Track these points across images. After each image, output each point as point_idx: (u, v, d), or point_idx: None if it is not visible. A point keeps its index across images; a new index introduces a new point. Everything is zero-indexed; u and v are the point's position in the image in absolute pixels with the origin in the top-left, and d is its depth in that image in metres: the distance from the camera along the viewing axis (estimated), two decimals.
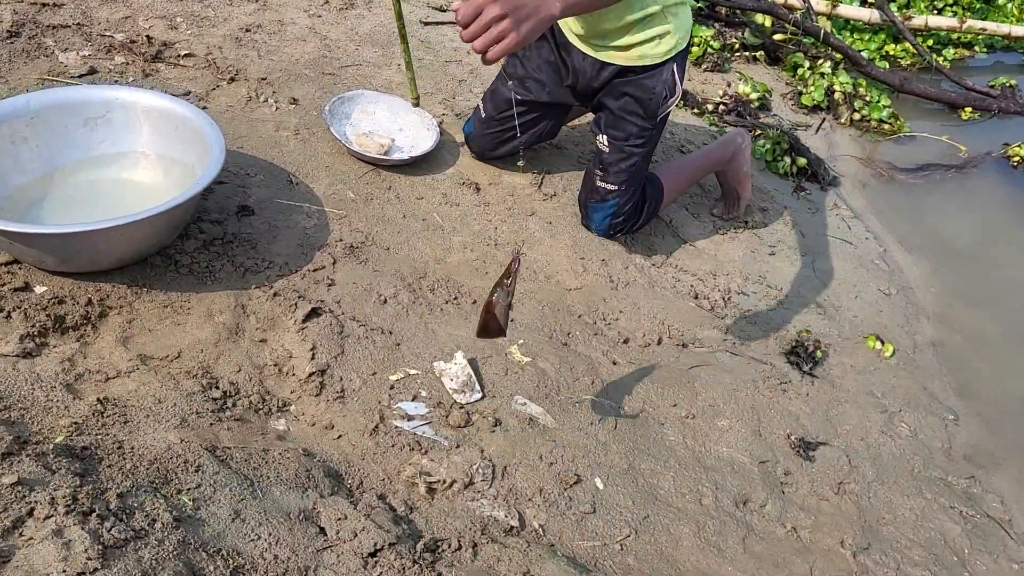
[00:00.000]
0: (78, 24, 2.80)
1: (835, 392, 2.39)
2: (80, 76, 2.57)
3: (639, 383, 2.18)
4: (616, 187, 2.49)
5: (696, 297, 2.58)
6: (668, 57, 2.36)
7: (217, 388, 1.82)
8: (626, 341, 2.32)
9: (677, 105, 2.61)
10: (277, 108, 2.71)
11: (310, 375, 1.92)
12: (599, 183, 2.51)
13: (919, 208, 3.30)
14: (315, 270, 2.19)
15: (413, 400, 1.95)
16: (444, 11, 3.56)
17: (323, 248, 2.26)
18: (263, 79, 2.81)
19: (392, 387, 1.96)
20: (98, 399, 1.65)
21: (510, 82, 2.57)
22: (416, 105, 2.72)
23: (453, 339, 2.13)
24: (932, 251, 3.09)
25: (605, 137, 2.47)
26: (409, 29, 3.34)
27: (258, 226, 2.26)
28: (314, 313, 2.06)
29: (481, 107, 2.66)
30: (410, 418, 1.91)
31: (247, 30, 3.03)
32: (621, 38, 2.33)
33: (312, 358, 1.96)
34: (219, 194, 2.32)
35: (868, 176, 3.45)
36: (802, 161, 3.28)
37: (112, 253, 1.93)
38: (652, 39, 2.33)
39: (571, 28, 2.42)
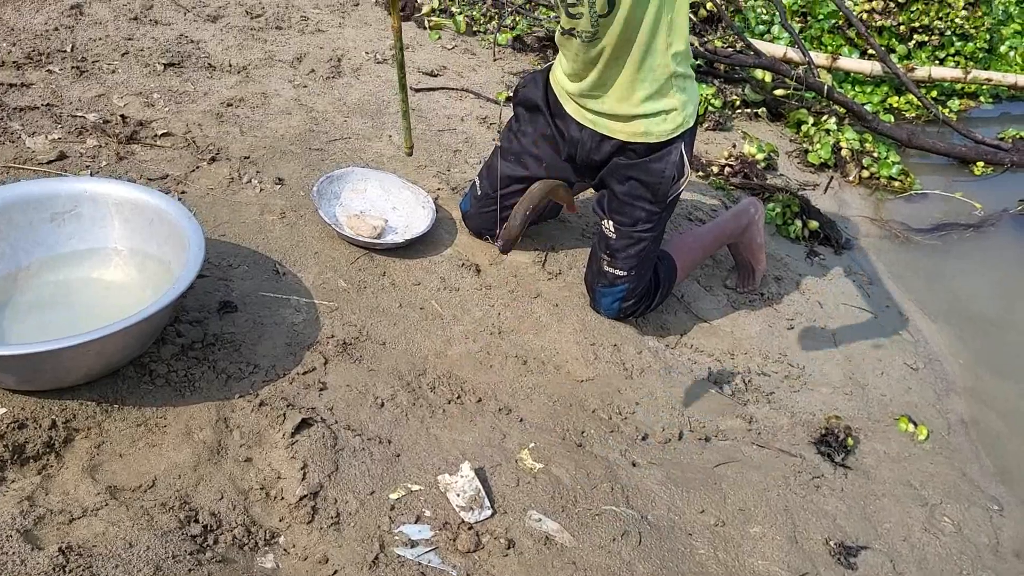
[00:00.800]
0: (47, 105, 2.64)
1: (871, 485, 2.21)
2: (49, 162, 2.40)
3: (662, 487, 2.00)
4: (626, 272, 2.33)
5: (716, 382, 2.41)
6: (675, 135, 2.20)
7: (196, 522, 1.62)
8: (645, 437, 2.14)
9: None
10: (262, 189, 2.54)
11: (301, 499, 1.73)
12: (607, 268, 2.35)
13: (938, 271, 3.14)
14: (305, 372, 2.01)
15: (416, 522, 1.75)
16: (435, 76, 3.43)
17: (313, 347, 2.08)
18: (246, 158, 2.64)
19: (393, 507, 1.76)
20: (60, 549, 1.45)
21: (506, 159, 2.42)
22: (409, 155, 2.48)
23: (458, 446, 1.94)
24: (956, 318, 2.93)
25: (611, 223, 2.31)
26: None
27: (242, 324, 2.08)
28: (304, 424, 1.87)
29: (477, 183, 2.50)
30: (413, 544, 1.71)
31: (229, 104, 2.87)
32: (622, 106, 2.17)
33: (303, 478, 1.76)
34: (199, 289, 2.14)
35: (882, 238, 3.30)
36: (814, 224, 3.14)
37: (80, 369, 1.75)
38: (657, 114, 2.17)
39: (566, 89, 2.26)
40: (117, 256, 2.07)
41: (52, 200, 2.03)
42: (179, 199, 2.40)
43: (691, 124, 2.23)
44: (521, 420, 2.06)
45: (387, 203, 2.59)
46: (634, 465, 2.04)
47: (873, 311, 2.88)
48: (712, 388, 2.38)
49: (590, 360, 2.31)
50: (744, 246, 2.71)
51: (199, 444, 1.78)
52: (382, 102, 3.15)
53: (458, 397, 2.07)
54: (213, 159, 2.60)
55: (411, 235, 2.46)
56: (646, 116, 2.17)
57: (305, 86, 3.12)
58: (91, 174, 2.40)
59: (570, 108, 2.29)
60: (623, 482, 1.97)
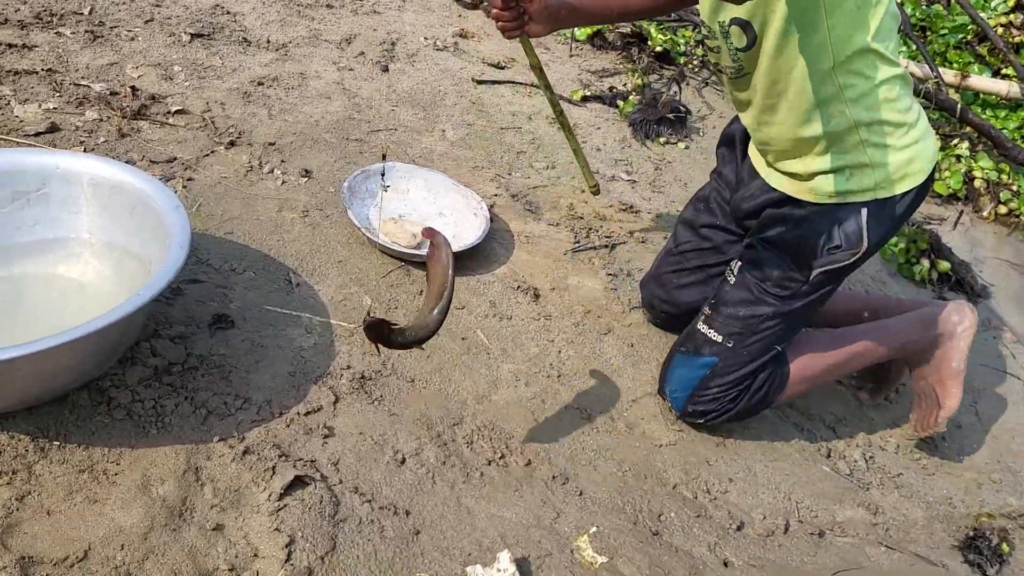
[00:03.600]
0: (48, 70, 2.26)
1: None
2: (37, 134, 2.02)
3: None
4: (721, 338, 1.75)
5: (828, 456, 1.90)
6: (858, 200, 1.63)
7: None
8: (740, 527, 1.64)
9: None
10: (284, 182, 2.12)
11: None
12: (699, 326, 1.79)
13: None
14: (307, 413, 1.57)
15: None
16: (502, 68, 2.99)
17: (322, 379, 1.64)
18: (271, 144, 2.23)
19: None
20: None
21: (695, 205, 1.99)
22: (595, 194, 2.26)
23: (496, 524, 1.48)
24: None
25: (738, 264, 1.77)
26: (460, 88, 2.77)
27: (236, 345, 1.65)
28: (298, 482, 1.43)
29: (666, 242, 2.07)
30: None
31: (259, 83, 2.47)
32: (796, 162, 1.66)
33: (287, 559, 1.32)
34: (190, 297, 1.72)
35: None
36: (944, 265, 2.60)
37: (11, 393, 1.34)
38: (841, 170, 1.62)
39: (753, 138, 1.81)
40: (88, 250, 1.67)
41: (14, 175, 1.63)
42: (184, 187, 2.00)
43: (903, 190, 1.63)
44: (580, 494, 1.59)
45: (432, 207, 2.15)
46: (726, 565, 1.55)
47: (1022, 377, 2.34)
48: (825, 464, 1.88)
49: (672, 420, 1.83)
50: (931, 370, 1.91)
51: (156, 502, 1.34)
52: (438, 92, 2.72)
53: (501, 457, 1.61)
54: (232, 143, 2.19)
55: (459, 247, 2.02)
56: (825, 173, 1.63)
57: (351, 69, 2.70)
58: (84, 151, 2.01)
59: (752, 153, 1.84)
60: None
